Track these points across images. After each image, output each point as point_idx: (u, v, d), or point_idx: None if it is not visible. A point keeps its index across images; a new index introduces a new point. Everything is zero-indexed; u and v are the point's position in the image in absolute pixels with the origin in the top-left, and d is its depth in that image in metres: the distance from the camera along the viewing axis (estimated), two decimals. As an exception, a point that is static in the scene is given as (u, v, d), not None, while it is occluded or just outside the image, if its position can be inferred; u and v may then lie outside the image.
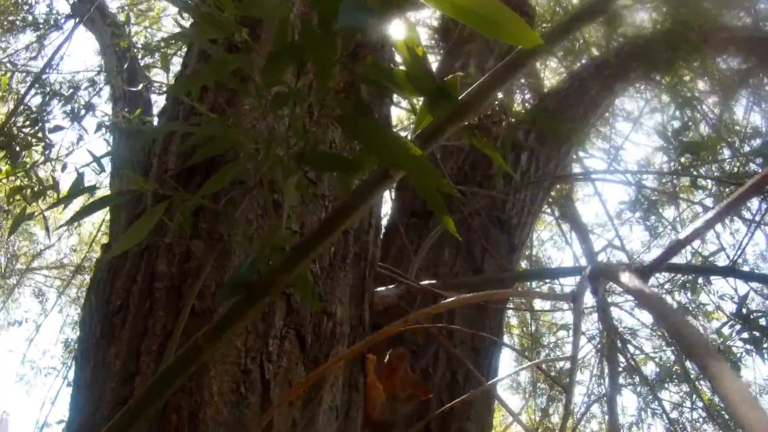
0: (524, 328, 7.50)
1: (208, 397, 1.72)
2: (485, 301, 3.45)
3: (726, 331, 4.35)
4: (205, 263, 1.48)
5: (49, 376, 10.07)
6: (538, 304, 7.79)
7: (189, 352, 1.14)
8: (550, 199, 6.35)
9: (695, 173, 4.94)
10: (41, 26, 8.19)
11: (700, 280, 5.97)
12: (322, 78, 1.23)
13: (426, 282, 3.05)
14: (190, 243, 1.35)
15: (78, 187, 3.00)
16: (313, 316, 1.91)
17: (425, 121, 1.29)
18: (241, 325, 1.18)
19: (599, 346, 7.24)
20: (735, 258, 3.28)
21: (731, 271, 3.33)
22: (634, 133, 7.70)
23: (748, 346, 4.27)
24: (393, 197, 4.50)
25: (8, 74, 6.62)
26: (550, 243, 8.71)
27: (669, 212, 6.83)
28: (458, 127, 1.25)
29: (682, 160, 4.35)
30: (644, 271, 1.69)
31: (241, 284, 1.12)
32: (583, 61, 6.45)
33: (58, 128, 4.66)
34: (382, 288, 2.79)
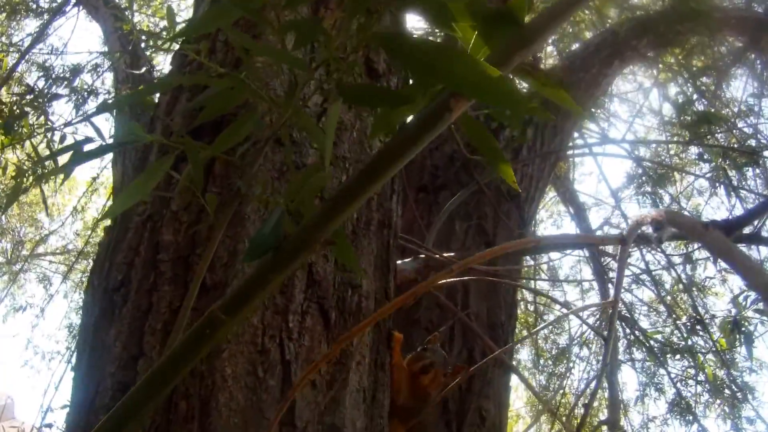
0: (528, 307, 7.28)
1: (221, 381, 1.47)
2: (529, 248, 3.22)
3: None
4: (219, 223, 1.21)
5: (53, 360, 9.83)
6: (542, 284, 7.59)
7: (204, 327, 0.87)
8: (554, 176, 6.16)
9: (706, 143, 4.72)
10: (45, 12, 7.95)
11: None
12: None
13: (447, 254, 2.79)
14: (202, 198, 1.10)
15: (72, 147, 2.74)
16: (337, 288, 1.65)
17: (481, 54, 1.02)
18: (268, 293, 0.91)
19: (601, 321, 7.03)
20: (760, 224, 3.06)
21: (757, 238, 3.11)
22: (632, 111, 7.46)
23: (762, 317, 4.08)
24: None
25: (8, 56, 6.34)
26: (549, 221, 8.48)
27: (670, 189, 6.62)
28: (525, 56, 0.98)
29: (701, 130, 4.13)
30: (728, 228, 1.46)
31: (268, 243, 0.86)
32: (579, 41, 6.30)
33: (56, 96, 4.41)
34: (399, 262, 2.53)
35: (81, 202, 10.48)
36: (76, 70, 5.86)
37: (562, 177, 6.90)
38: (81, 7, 7.50)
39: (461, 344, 3.22)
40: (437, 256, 2.65)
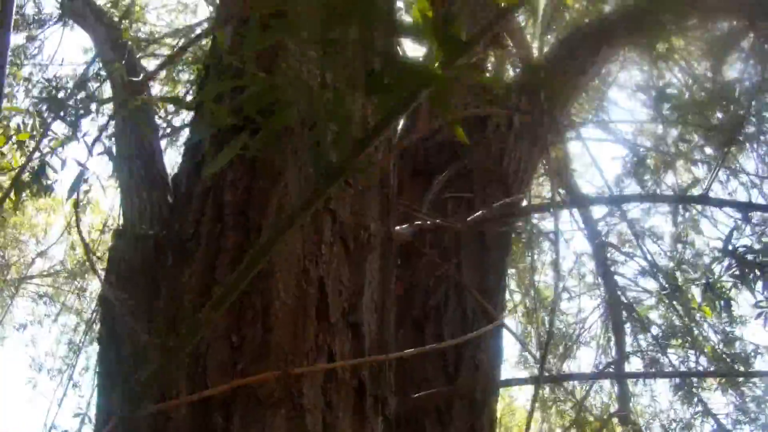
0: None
1: (275, 293, 2.35)
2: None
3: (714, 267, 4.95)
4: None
5: (54, 379, 10.67)
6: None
7: (285, 221, 1.76)
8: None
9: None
10: (31, 26, 8.76)
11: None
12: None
13: (440, 220, 3.70)
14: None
15: (79, 181, 3.57)
16: (353, 228, 2.56)
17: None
18: (321, 199, 1.80)
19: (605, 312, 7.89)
20: (708, 186, 3.86)
21: (705, 198, 3.90)
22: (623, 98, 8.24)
23: (736, 281, 4.77)
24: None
25: (21, 69, 7.20)
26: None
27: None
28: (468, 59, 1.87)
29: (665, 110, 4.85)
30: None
31: (325, 170, 1.74)
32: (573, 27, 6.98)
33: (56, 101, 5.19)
34: (397, 227, 3.41)
35: (70, 221, 11.29)
36: (82, 82, 6.68)
37: (561, 168, 7.70)
38: (68, 19, 8.33)
39: (456, 304, 4.11)
40: (429, 222, 3.55)
